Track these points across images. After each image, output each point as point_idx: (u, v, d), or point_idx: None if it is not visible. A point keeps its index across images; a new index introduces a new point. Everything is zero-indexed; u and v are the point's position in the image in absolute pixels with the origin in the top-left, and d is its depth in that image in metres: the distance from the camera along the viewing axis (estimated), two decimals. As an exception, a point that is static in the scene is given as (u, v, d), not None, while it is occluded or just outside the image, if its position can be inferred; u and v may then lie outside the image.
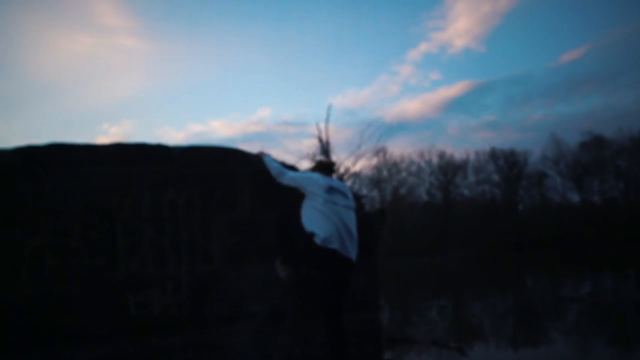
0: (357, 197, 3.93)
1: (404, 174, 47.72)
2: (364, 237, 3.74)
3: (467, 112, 69.91)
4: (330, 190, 3.43)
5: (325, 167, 3.61)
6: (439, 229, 41.92)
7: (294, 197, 3.57)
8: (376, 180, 46.38)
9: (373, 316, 3.87)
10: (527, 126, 64.13)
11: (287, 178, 3.53)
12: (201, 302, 3.51)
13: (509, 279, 21.35)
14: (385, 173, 47.21)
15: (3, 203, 3.23)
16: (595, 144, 46.25)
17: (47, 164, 3.36)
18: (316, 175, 3.52)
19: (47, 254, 3.27)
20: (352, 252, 3.40)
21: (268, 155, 3.77)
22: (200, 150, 3.71)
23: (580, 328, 9.74)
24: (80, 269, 3.32)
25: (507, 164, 48.21)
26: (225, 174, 3.71)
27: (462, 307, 13.92)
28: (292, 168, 3.91)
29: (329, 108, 33.53)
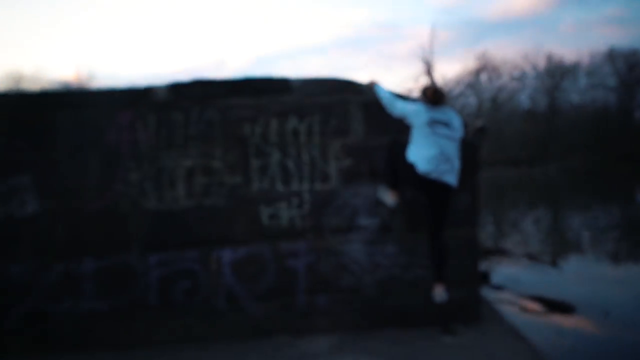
0: (465, 124, 4.15)
1: (505, 79, 44.86)
2: (466, 160, 4.05)
3: (586, 5, 62.38)
4: (433, 122, 3.74)
5: (432, 98, 3.86)
6: (541, 138, 39.77)
7: (402, 125, 3.91)
8: (474, 85, 44.20)
9: (472, 232, 4.24)
10: (657, 20, 56.17)
11: (396, 109, 3.87)
12: (320, 215, 4.09)
13: (616, 193, 20.31)
14: (484, 78, 44.70)
15: (161, 131, 3.92)
16: None
17: (192, 97, 3.96)
18: (421, 108, 3.82)
19: (196, 173, 3.97)
20: (452, 179, 3.77)
21: (378, 85, 4.08)
22: (318, 82, 4.10)
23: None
24: (222, 185, 4.00)
25: (627, 66, 43.29)
26: (340, 103, 4.09)
27: (560, 220, 13.75)
28: (401, 97, 4.18)
29: (433, 32, 31.42)
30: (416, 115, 3.80)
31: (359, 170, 4.12)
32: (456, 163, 3.82)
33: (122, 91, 3.98)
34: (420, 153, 3.74)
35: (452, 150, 3.81)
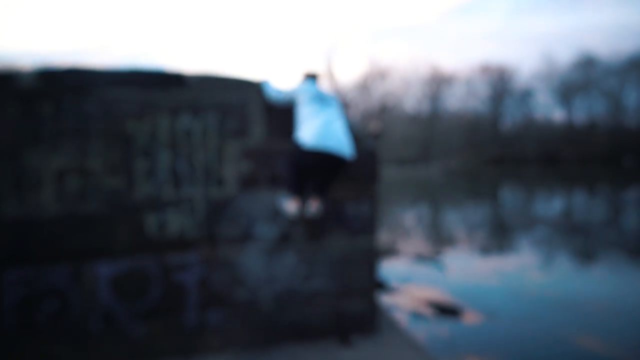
0: (362, 130, 4.07)
1: (392, 84, 47.14)
2: (365, 168, 3.98)
3: (470, 19, 67.64)
4: (315, 97, 3.71)
5: (311, 76, 3.91)
6: (424, 140, 42.42)
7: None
8: (364, 87, 45.83)
9: (370, 241, 4.17)
10: (530, 38, 62.48)
11: (282, 93, 3.80)
12: (214, 223, 3.74)
13: (485, 192, 22.29)
14: (373, 81, 46.57)
15: (26, 124, 3.30)
16: (586, 63, 45.91)
17: (66, 86, 3.38)
18: (303, 87, 3.78)
19: (69, 174, 3.41)
20: (344, 151, 3.60)
21: (266, 82, 3.86)
22: (215, 79, 3.73)
23: (545, 241, 10.53)
24: (101, 189, 3.49)
25: (496, 79, 47.83)
26: (239, 103, 3.77)
27: (441, 217, 14.70)
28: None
29: (335, 34, 31.87)
30: (300, 92, 3.75)
31: (258, 175, 3.84)
32: (343, 136, 3.64)
33: (-26, 74, 3.29)
34: (307, 129, 3.60)
35: (337, 124, 3.67)
